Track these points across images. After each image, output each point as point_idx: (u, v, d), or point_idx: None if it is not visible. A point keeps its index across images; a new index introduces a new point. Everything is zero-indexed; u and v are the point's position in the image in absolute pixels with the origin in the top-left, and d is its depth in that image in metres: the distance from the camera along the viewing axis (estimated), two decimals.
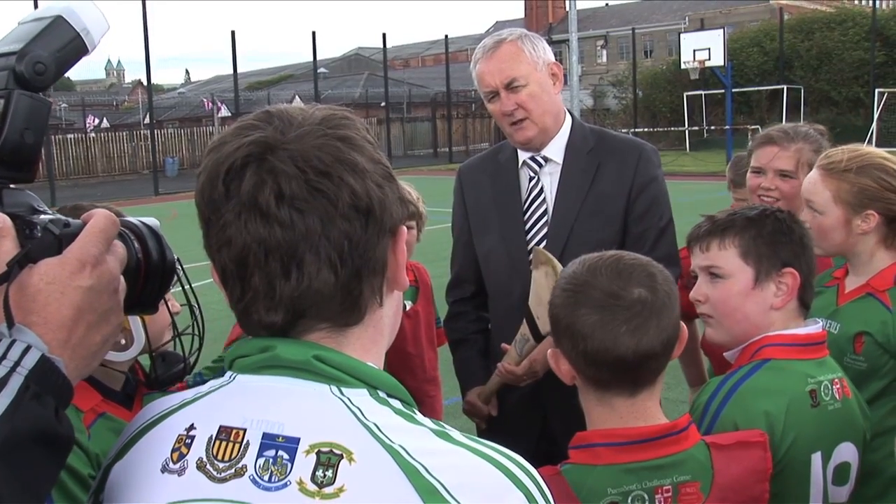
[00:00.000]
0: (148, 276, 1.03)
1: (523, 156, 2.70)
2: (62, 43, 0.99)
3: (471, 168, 2.89)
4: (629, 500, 1.50)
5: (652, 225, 2.62)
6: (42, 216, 0.96)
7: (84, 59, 1.03)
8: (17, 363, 0.84)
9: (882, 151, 2.34)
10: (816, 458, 1.77)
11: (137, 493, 0.97)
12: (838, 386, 1.85)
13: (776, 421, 1.71)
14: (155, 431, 1.01)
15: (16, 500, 0.81)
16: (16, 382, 0.83)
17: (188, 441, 0.95)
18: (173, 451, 0.96)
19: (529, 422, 2.64)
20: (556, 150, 2.67)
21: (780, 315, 1.87)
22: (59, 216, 0.96)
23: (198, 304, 1.74)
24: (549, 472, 1.52)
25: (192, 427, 0.96)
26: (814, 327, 1.89)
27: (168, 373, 1.85)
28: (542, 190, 2.67)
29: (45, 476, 0.87)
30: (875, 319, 2.24)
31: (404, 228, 1.01)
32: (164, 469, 0.95)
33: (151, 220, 1.07)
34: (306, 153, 0.92)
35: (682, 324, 1.59)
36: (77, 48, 1.01)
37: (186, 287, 1.68)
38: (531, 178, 2.68)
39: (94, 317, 0.92)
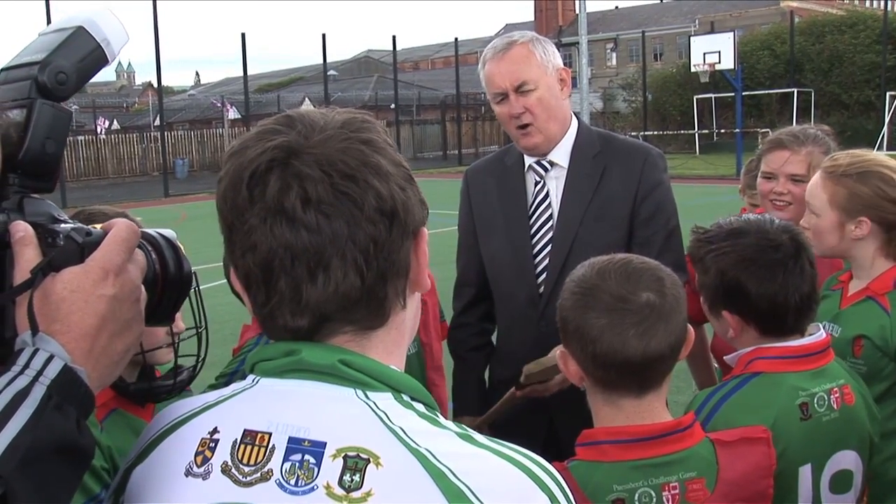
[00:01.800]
0: (165, 288, 1.03)
1: (529, 160, 2.70)
2: (83, 53, 1.01)
3: (477, 170, 2.88)
4: (636, 497, 1.51)
5: (658, 229, 2.60)
6: (64, 225, 0.96)
7: None
8: (39, 373, 0.85)
9: (887, 159, 2.33)
10: (805, 470, 1.77)
11: (161, 496, 0.97)
12: (837, 395, 1.83)
13: None
14: (177, 434, 1.00)
15: None
16: (38, 392, 0.83)
17: (212, 444, 0.95)
18: (197, 454, 0.96)
19: (535, 425, 2.63)
20: (561, 154, 2.66)
21: (744, 339, 1.89)
22: (81, 225, 0.97)
23: (206, 326, 1.72)
24: (556, 468, 1.52)
25: (215, 430, 0.96)
26: (812, 337, 1.88)
27: (138, 387, 1.83)
28: (547, 194, 2.67)
29: (65, 488, 0.86)
30: (874, 323, 2.24)
31: (425, 230, 1.01)
32: (189, 473, 0.95)
33: (168, 232, 1.07)
34: (331, 157, 0.91)
35: (690, 326, 1.60)
36: (98, 59, 1.02)
37: (196, 303, 1.67)
38: (537, 183, 2.69)
39: (117, 326, 0.93)
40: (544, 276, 2.61)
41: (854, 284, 2.38)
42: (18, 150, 0.95)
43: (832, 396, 1.82)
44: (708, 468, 1.56)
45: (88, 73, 1.01)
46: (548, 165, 2.67)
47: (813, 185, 2.37)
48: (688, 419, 1.60)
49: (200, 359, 1.74)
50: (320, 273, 0.91)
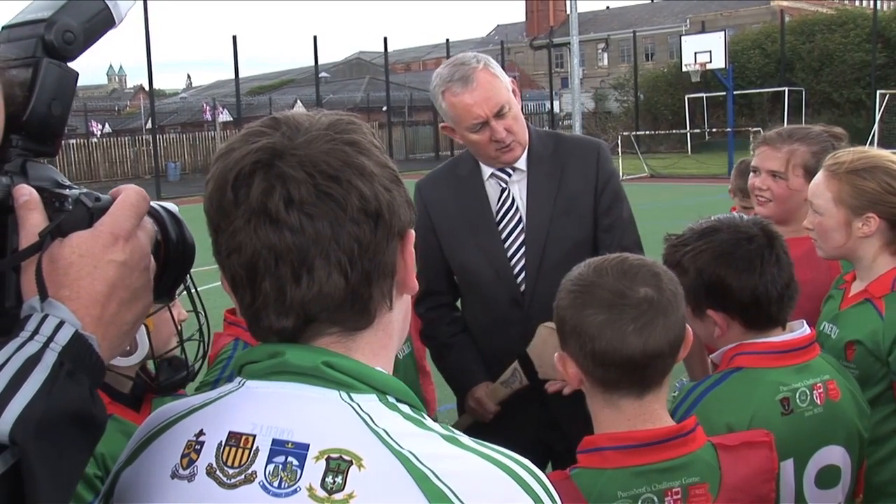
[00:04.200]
0: (167, 261, 1.01)
1: (489, 168, 2.77)
2: (90, 13, 0.97)
3: (430, 185, 2.93)
4: (639, 503, 1.49)
5: (619, 216, 2.75)
6: (72, 189, 0.94)
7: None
8: (50, 339, 0.82)
9: (889, 154, 2.32)
10: (788, 465, 1.77)
11: (147, 498, 0.97)
12: (820, 390, 1.84)
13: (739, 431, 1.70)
14: (164, 437, 1.00)
15: (50, 484, 0.78)
16: (50, 359, 0.81)
17: (197, 447, 0.95)
18: (183, 456, 0.96)
19: (528, 410, 2.69)
20: (521, 158, 2.74)
21: (730, 336, 1.89)
22: (90, 190, 0.94)
23: (204, 312, 1.73)
24: (559, 476, 1.53)
25: (201, 433, 0.96)
26: (795, 333, 1.88)
27: (171, 379, 1.85)
28: (513, 199, 2.75)
29: (79, 459, 0.84)
30: (867, 327, 2.22)
31: (412, 231, 1.01)
32: (174, 475, 0.95)
33: (171, 205, 1.05)
34: (314, 158, 0.91)
35: (688, 325, 1.59)
36: (105, 20, 0.99)
37: (193, 292, 1.68)
38: (502, 190, 2.76)
39: (127, 294, 0.91)
40: (523, 275, 2.71)
41: (856, 285, 2.36)
42: (23, 111, 0.92)
43: (815, 392, 1.83)
44: (711, 473, 1.54)
45: (95, 34, 0.98)
46: (510, 171, 2.75)
47: (816, 184, 2.35)
48: (690, 423, 1.58)
49: (204, 348, 1.74)
50: (304, 274, 0.91)
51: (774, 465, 1.62)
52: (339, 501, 0.86)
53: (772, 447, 1.62)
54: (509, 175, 2.74)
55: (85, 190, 0.94)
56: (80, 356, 0.83)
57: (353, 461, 0.87)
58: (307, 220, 0.90)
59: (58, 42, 0.93)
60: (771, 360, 1.83)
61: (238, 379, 0.99)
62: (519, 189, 2.75)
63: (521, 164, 2.73)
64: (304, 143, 0.93)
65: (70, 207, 0.90)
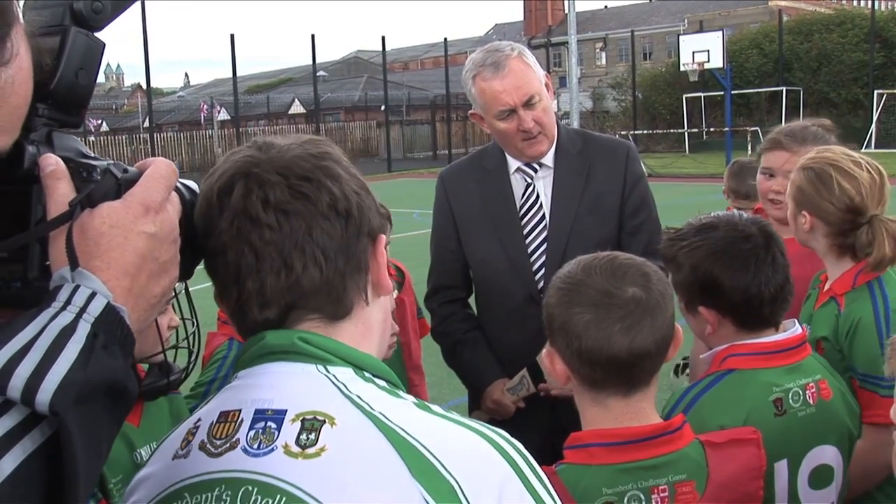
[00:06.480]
0: (187, 239, 1.00)
1: (515, 163, 2.74)
2: None
3: (455, 175, 2.90)
4: (625, 500, 1.50)
5: (646, 218, 2.73)
6: (99, 160, 0.93)
7: None
8: (83, 309, 0.81)
9: (845, 160, 2.27)
10: (781, 465, 1.78)
11: (156, 484, 1.04)
12: (812, 390, 1.84)
13: None
14: (172, 434, 1.09)
15: (87, 457, 0.78)
16: (83, 330, 0.80)
17: (194, 430, 1.03)
18: (183, 441, 1.04)
19: (538, 414, 2.67)
20: (547, 154, 2.72)
21: (722, 334, 1.89)
22: (117, 162, 0.94)
23: (195, 318, 1.72)
24: (545, 472, 1.53)
25: (198, 420, 1.04)
26: (786, 333, 1.89)
27: (154, 384, 1.84)
28: (537, 194, 2.73)
29: (111, 432, 0.84)
30: (831, 323, 2.25)
31: (383, 237, 1.09)
32: (175, 457, 1.03)
33: (191, 183, 1.06)
34: (287, 163, 1.00)
35: (677, 325, 1.60)
36: None
37: (184, 296, 1.68)
38: (527, 185, 2.74)
39: (156, 266, 0.91)
40: (542, 272, 2.67)
41: (828, 283, 2.39)
42: (50, 79, 0.91)
43: (808, 391, 1.84)
44: (698, 470, 1.55)
45: (122, 5, 0.99)
46: (536, 166, 2.73)
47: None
48: (677, 421, 1.59)
49: (193, 356, 1.75)
50: (283, 267, 0.98)
51: (762, 463, 1.62)
52: (312, 455, 0.92)
53: (759, 444, 1.62)
54: (535, 170, 2.72)
55: (113, 161, 0.94)
56: (112, 327, 0.83)
57: (326, 420, 0.94)
58: (283, 217, 0.98)
59: (86, 11, 0.93)
60: (762, 360, 1.84)
61: (235, 375, 1.06)
62: (544, 185, 2.73)
63: (548, 160, 2.72)
64: (279, 152, 1.02)
65: (98, 178, 0.90)
